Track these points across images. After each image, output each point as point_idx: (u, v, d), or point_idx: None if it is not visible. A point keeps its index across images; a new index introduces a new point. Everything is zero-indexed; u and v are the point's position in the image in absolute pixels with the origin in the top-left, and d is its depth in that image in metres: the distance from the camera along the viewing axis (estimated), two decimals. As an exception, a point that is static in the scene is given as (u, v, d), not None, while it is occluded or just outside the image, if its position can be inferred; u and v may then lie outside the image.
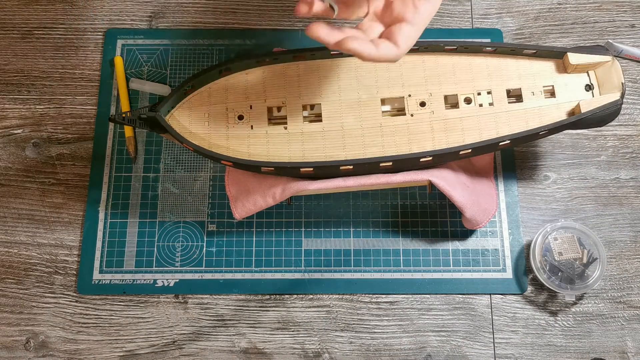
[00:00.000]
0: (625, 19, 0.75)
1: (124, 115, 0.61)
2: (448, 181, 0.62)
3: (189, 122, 0.61)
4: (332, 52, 0.62)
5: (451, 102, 0.61)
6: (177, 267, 0.67)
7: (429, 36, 0.74)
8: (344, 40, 0.46)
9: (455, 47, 0.62)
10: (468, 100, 0.61)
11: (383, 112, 0.61)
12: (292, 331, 0.65)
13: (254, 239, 0.68)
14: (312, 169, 0.59)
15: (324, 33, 0.47)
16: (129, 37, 0.74)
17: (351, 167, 0.59)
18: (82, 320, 0.66)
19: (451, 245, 0.68)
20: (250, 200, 0.64)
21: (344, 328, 0.65)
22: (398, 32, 0.48)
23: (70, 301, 0.66)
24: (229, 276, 0.67)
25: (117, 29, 0.75)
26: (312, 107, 0.62)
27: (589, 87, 0.61)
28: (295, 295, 0.66)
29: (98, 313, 0.66)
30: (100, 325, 0.65)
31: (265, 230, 0.68)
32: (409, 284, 0.66)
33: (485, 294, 0.66)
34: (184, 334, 0.65)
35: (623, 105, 0.63)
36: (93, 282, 0.66)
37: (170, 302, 0.66)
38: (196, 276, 0.67)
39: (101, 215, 0.68)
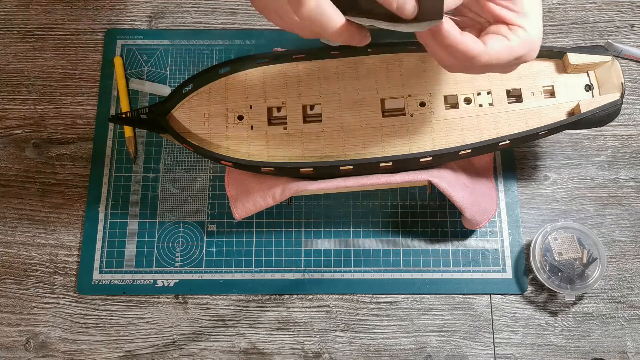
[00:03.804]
0: (625, 19, 0.75)
1: (123, 115, 0.61)
2: (448, 181, 0.62)
3: (188, 122, 0.61)
4: (331, 52, 0.62)
5: (451, 102, 0.61)
6: (177, 267, 0.67)
7: (428, 36, 0.74)
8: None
9: (455, 47, 0.62)
10: (468, 101, 0.61)
11: (383, 112, 0.61)
12: (292, 331, 0.65)
13: (254, 239, 0.68)
14: (312, 169, 0.59)
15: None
16: (128, 37, 0.74)
17: (351, 167, 0.59)
18: (82, 321, 0.66)
19: (451, 246, 0.67)
20: (250, 201, 0.64)
21: (344, 328, 0.65)
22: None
23: (70, 301, 0.66)
24: (228, 276, 0.67)
25: (117, 29, 0.75)
26: (312, 107, 0.62)
27: (588, 87, 0.61)
28: (295, 296, 0.66)
29: (98, 313, 0.66)
30: (100, 325, 0.65)
31: (265, 231, 0.68)
32: (409, 284, 0.66)
33: (485, 294, 0.66)
34: (184, 334, 0.65)
35: (623, 105, 0.63)
36: (93, 283, 0.66)
37: (170, 302, 0.66)
38: (196, 276, 0.67)
39: (101, 216, 0.68)
